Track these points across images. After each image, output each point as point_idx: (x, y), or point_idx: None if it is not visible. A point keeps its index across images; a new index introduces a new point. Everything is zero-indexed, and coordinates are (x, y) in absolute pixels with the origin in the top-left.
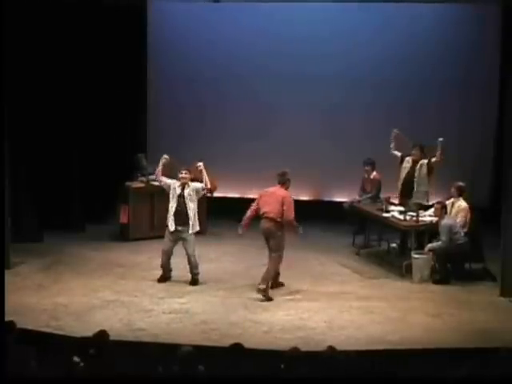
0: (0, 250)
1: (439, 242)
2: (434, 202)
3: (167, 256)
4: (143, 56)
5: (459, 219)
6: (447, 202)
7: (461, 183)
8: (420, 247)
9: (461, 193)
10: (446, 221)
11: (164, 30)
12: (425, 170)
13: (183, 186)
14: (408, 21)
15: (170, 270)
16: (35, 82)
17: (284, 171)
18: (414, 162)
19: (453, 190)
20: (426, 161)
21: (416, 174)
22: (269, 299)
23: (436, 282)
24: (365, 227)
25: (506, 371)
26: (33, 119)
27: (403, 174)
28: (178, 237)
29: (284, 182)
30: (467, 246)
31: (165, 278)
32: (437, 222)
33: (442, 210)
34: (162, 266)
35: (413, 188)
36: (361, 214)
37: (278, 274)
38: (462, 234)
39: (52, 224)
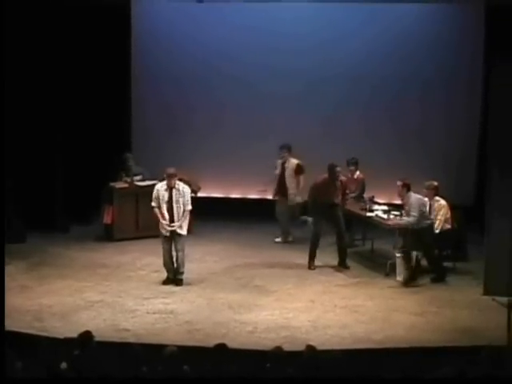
0: (0, 250)
1: (410, 218)
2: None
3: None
4: (127, 55)
5: (440, 217)
6: None
7: (434, 182)
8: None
9: (436, 192)
10: (413, 198)
11: (148, 29)
12: (291, 171)
13: (170, 189)
14: (391, 20)
15: (174, 270)
16: (16, 81)
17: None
18: (283, 164)
19: (428, 191)
20: (295, 161)
21: (286, 175)
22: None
23: (434, 280)
24: (349, 227)
25: (489, 369)
26: (15, 119)
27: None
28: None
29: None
30: (433, 229)
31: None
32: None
33: (404, 189)
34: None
35: (286, 188)
36: (345, 214)
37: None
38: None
39: (36, 225)
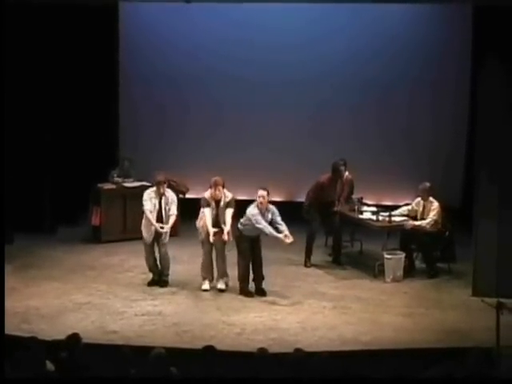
0: (0, 251)
1: (428, 220)
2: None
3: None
4: (115, 55)
5: (430, 219)
6: (415, 202)
7: (428, 184)
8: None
9: (430, 193)
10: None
11: (136, 28)
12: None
13: (160, 197)
14: (378, 19)
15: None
16: (2, 80)
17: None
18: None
19: (422, 192)
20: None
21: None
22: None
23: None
24: None
25: (477, 371)
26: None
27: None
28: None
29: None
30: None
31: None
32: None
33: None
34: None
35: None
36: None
37: None
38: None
39: (23, 226)
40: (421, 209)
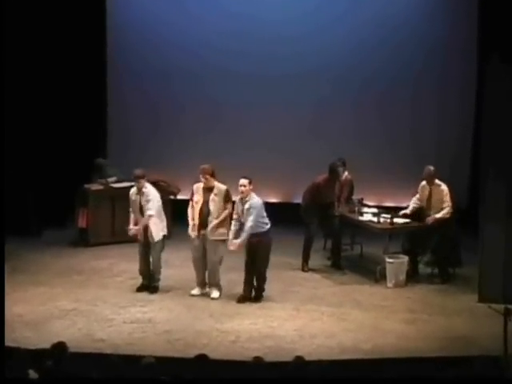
0: (0, 252)
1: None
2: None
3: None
4: (102, 48)
5: (447, 206)
6: (420, 186)
7: (432, 167)
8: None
9: (436, 177)
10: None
11: (125, 19)
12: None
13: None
14: (380, 8)
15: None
16: None
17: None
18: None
19: (427, 176)
20: (224, 188)
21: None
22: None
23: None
24: None
25: (482, 379)
26: None
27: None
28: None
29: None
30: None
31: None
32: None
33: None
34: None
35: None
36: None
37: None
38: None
39: (7, 229)
40: (427, 193)
